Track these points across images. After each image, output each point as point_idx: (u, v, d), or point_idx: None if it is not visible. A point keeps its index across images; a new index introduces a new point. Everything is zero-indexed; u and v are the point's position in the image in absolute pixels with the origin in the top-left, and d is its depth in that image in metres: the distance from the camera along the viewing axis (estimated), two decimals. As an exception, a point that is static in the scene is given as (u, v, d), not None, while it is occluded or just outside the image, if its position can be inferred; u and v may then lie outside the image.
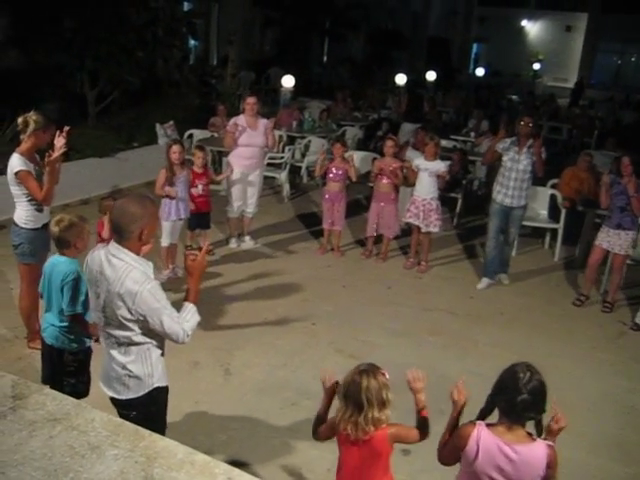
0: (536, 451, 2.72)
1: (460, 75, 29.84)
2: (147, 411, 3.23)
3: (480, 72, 28.62)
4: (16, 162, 4.95)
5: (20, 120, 5.01)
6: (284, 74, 14.04)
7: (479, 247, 8.74)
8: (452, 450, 2.89)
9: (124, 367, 3.17)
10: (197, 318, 3.22)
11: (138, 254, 3.10)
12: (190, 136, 11.25)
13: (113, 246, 3.08)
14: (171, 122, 11.31)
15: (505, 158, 7.07)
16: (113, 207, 3.15)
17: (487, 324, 6.55)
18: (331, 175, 7.78)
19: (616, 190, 6.78)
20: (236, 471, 2.59)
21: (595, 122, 17.01)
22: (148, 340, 3.14)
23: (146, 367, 3.19)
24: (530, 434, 2.79)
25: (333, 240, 8.06)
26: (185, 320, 3.14)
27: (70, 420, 2.76)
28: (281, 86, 13.93)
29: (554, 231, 8.65)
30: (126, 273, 2.98)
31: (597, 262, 7.05)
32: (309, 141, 11.51)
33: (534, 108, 19.09)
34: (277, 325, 6.15)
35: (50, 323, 4.10)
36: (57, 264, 4.06)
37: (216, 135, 10.87)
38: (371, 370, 2.93)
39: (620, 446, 4.79)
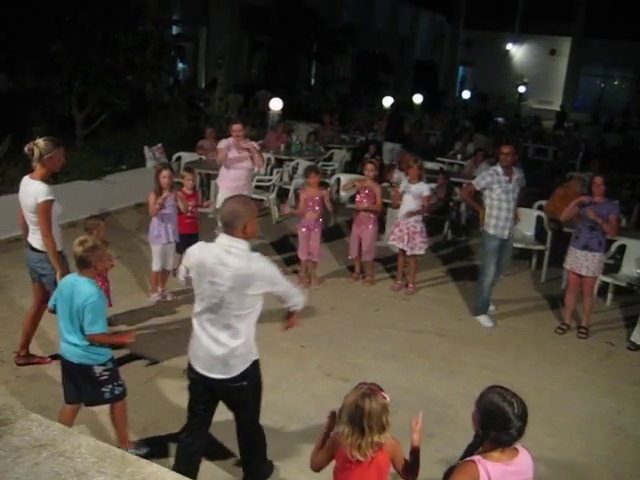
0: (525, 458, 2.80)
1: (446, 98, 30.13)
2: (254, 377, 3.74)
3: (466, 95, 28.94)
4: (43, 190, 4.89)
5: (27, 148, 4.93)
6: (272, 97, 14.14)
7: (467, 269, 8.77)
8: None
9: (231, 349, 3.58)
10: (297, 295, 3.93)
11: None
12: (178, 159, 11.27)
13: (226, 239, 3.56)
14: (159, 145, 11.35)
15: (498, 190, 6.75)
16: (223, 207, 3.68)
17: (475, 346, 6.55)
18: (309, 204, 7.57)
19: (587, 209, 6.68)
20: (224, 496, 2.56)
21: (580, 144, 17.22)
22: (254, 317, 3.66)
23: (249, 345, 3.66)
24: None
25: (310, 271, 7.79)
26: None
27: (56, 446, 2.73)
28: (269, 109, 14.02)
29: (541, 253, 8.71)
30: (250, 257, 3.55)
31: (575, 287, 6.89)
32: (297, 164, 11.56)
33: (520, 130, 19.32)
34: (265, 348, 6.06)
35: (72, 343, 4.07)
36: (77, 284, 4.06)
37: (204, 158, 10.91)
38: (373, 394, 3.00)
39: (610, 468, 4.79)
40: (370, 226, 7.73)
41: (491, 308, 7.30)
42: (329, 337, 6.42)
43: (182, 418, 4.84)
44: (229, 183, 7.71)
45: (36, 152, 4.89)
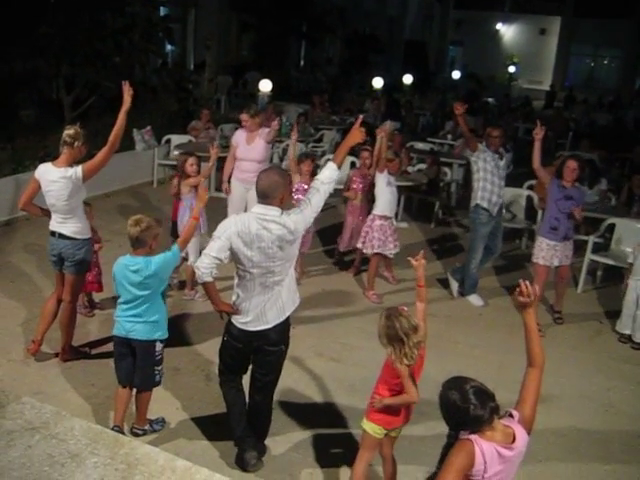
0: (521, 436, 2.81)
1: (436, 78, 30.04)
2: (288, 342, 4.13)
3: (456, 75, 28.85)
4: (73, 169, 4.90)
5: (71, 132, 4.94)
6: (261, 78, 14.04)
7: (458, 249, 8.79)
8: (461, 473, 2.72)
9: (284, 299, 3.96)
10: (335, 170, 3.99)
11: None
12: (168, 141, 11.21)
13: (261, 208, 3.79)
14: (148, 127, 11.25)
15: (492, 163, 6.69)
16: (258, 177, 3.84)
17: (466, 325, 6.58)
18: (299, 194, 7.14)
19: (564, 193, 6.37)
20: (217, 476, 2.58)
21: (569, 124, 17.23)
22: (292, 269, 4.02)
23: (292, 283, 4.06)
24: (505, 425, 2.82)
25: (298, 261, 7.16)
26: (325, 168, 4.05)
27: (49, 429, 2.74)
28: (258, 90, 13.94)
29: (531, 232, 8.74)
30: (285, 218, 3.78)
31: (546, 279, 6.61)
32: (287, 145, 11.50)
33: (510, 110, 19.30)
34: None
35: (139, 319, 4.20)
36: (133, 264, 4.16)
37: (194, 140, 10.85)
38: (394, 312, 3.59)
39: (599, 444, 4.85)
40: (362, 215, 7.50)
41: (477, 295, 7.22)
42: (320, 318, 6.43)
43: (166, 403, 4.87)
44: (239, 175, 7.51)
45: (81, 136, 4.96)
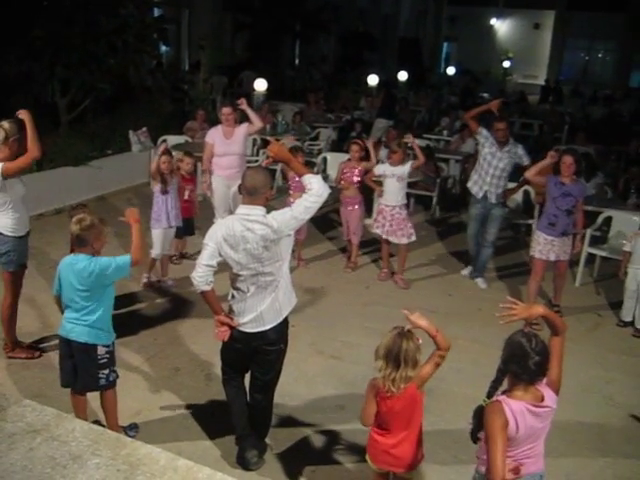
0: (549, 395, 2.98)
1: (431, 74, 30.02)
2: (286, 341, 4.14)
3: (451, 71, 28.84)
4: None
5: None
6: (256, 77, 14.04)
7: (455, 244, 8.80)
8: (504, 431, 2.82)
9: (281, 301, 3.97)
10: (316, 177, 3.98)
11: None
12: (164, 142, 11.19)
13: (245, 208, 3.85)
14: (144, 129, 11.26)
15: (487, 150, 6.93)
16: (246, 174, 3.95)
17: (466, 320, 6.60)
18: (293, 184, 7.38)
19: (562, 191, 6.28)
20: (219, 475, 2.59)
21: (565, 118, 17.24)
22: (286, 269, 3.98)
23: (289, 285, 4.07)
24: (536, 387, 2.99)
25: (296, 249, 7.51)
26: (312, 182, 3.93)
27: (50, 431, 2.74)
28: (254, 90, 13.93)
29: (528, 226, 8.75)
30: (269, 218, 3.79)
31: (543, 273, 6.61)
32: (283, 144, 11.49)
33: (505, 105, 19.29)
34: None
35: (78, 322, 4.08)
36: (75, 263, 4.05)
37: (190, 140, 10.85)
38: (407, 334, 3.37)
39: (599, 436, 4.87)
40: (356, 207, 7.58)
41: (481, 285, 7.46)
42: (319, 315, 6.44)
43: (167, 403, 4.87)
44: (221, 171, 7.51)
45: (1, 134, 4.88)
